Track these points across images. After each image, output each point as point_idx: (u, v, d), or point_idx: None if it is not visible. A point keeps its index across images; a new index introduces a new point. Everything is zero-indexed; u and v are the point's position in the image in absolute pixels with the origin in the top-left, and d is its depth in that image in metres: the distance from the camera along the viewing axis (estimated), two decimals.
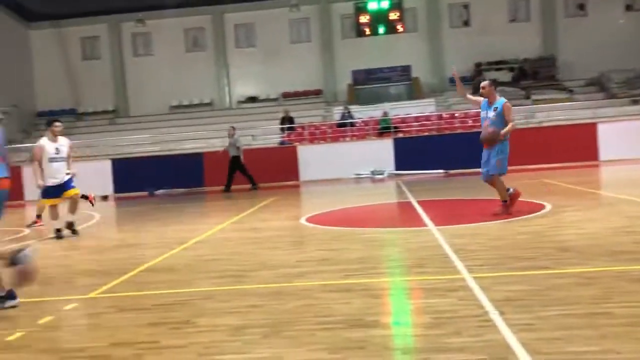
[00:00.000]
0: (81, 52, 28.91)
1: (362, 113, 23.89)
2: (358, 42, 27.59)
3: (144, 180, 19.14)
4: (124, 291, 5.34)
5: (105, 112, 28.21)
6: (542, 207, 8.91)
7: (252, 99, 28.30)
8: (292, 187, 18.55)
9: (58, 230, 9.24)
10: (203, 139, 22.56)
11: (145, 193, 18.99)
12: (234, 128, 18.36)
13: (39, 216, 11.00)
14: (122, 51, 28.72)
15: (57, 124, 9.35)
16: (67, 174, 9.32)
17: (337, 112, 24.55)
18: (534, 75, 25.97)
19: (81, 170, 18.41)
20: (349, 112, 23.10)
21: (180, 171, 19.87)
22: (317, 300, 4.53)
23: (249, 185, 17.98)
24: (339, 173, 19.66)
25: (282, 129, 22.60)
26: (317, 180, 19.48)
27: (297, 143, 21.50)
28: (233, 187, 17.88)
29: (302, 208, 12.98)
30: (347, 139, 21.86)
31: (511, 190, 8.31)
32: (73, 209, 9.36)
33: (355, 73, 27.10)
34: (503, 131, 7.95)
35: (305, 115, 24.77)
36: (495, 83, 8.62)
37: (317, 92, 27.89)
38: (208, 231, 9.01)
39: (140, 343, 3.80)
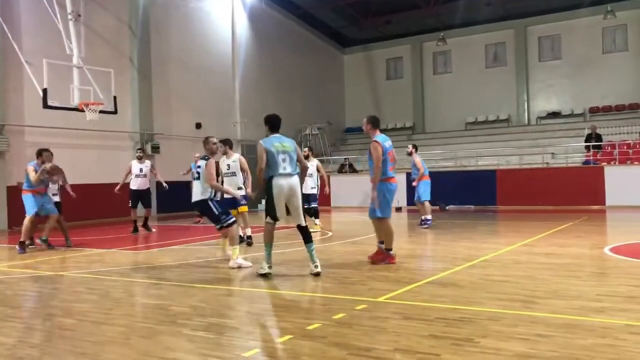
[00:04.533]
0: (385, 72, 31.09)
1: None
2: None
3: (436, 194, 19.49)
4: (410, 300, 5.49)
5: (403, 128, 29.75)
6: None
7: (554, 115, 26.52)
8: (596, 212, 16.73)
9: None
10: (497, 155, 22.01)
11: (436, 207, 19.33)
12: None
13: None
14: (422, 70, 29.93)
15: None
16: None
17: None
18: None
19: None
20: None
21: (472, 188, 19.72)
22: (619, 342, 3.96)
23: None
24: None
25: (588, 147, 20.60)
26: (626, 207, 17.21)
27: (604, 163, 19.34)
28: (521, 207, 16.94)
29: (606, 236, 11.60)
30: None
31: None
32: None
33: None
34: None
35: (617, 132, 22.16)
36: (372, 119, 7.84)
37: (634, 107, 24.67)
38: (497, 251, 8.71)
39: (421, 353, 3.85)
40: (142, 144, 19.56)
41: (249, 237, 10.21)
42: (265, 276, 6.94)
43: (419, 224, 13.14)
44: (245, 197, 9.90)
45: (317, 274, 6.91)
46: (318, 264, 7.01)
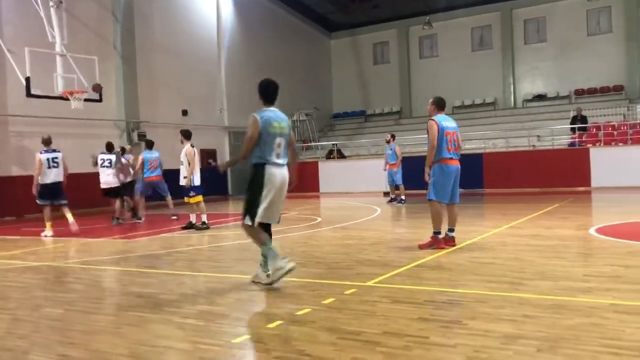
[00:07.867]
0: (372, 57, 31.00)
1: None
2: None
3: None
4: (398, 283, 5.53)
5: (390, 113, 29.75)
6: None
7: (540, 97, 26.67)
8: (582, 193, 16.91)
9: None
10: (484, 139, 22.12)
11: (424, 191, 19.40)
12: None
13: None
14: (409, 54, 29.89)
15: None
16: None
17: None
18: None
19: (366, 168, 19.85)
20: None
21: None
22: (604, 320, 4.02)
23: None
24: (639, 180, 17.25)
25: (573, 129, 20.75)
26: (611, 187, 17.40)
27: (589, 145, 19.51)
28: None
29: (592, 217, 11.72)
30: None
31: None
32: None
33: None
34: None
35: (601, 114, 22.38)
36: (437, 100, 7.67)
37: (618, 89, 24.87)
38: (484, 234, 8.78)
39: (410, 336, 3.88)
40: (128, 132, 19.42)
41: (204, 223, 10.80)
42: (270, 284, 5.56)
43: (397, 202, 15.43)
44: (193, 187, 10.69)
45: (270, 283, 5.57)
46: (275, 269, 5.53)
